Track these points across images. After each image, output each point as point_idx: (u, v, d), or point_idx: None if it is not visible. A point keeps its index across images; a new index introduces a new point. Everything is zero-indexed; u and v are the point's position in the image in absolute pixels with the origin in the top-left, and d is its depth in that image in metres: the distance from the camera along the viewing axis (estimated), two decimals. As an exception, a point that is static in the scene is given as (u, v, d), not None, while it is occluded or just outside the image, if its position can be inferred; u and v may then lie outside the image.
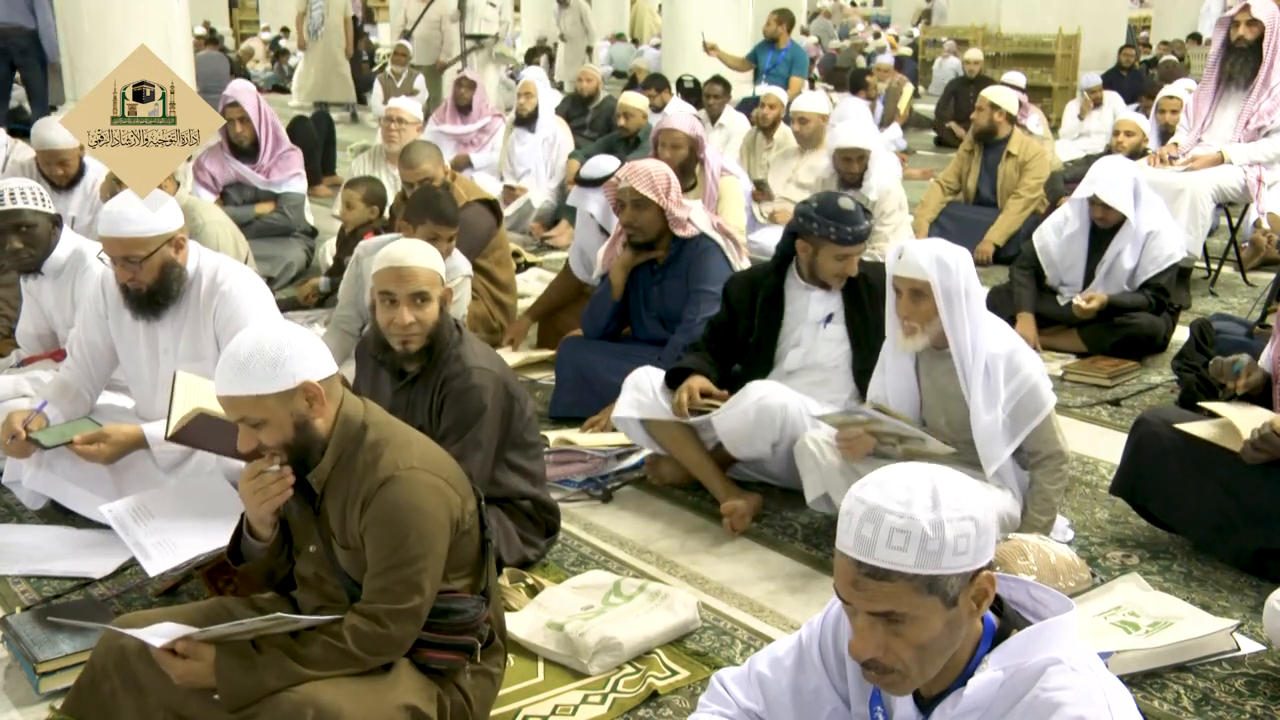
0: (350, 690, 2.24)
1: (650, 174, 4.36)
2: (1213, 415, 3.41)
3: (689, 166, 5.88)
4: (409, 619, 2.32)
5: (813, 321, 3.94)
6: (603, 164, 5.23)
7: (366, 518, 2.33)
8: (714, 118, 8.90)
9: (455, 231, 4.51)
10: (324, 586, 2.45)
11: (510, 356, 5.04)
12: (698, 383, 3.85)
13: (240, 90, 6.57)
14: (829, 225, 3.73)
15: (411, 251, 3.10)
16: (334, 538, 2.41)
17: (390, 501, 2.31)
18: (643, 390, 3.90)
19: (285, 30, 21.46)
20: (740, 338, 4.01)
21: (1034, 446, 3.37)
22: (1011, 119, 6.99)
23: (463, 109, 8.82)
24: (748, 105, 9.49)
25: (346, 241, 5.78)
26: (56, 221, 3.94)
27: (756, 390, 3.73)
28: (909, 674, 1.69)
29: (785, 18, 10.59)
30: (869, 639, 1.67)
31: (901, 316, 3.36)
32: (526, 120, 8.25)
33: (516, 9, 23.95)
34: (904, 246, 3.37)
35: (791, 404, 3.66)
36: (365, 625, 2.30)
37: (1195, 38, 18.12)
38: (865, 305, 3.88)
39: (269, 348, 2.28)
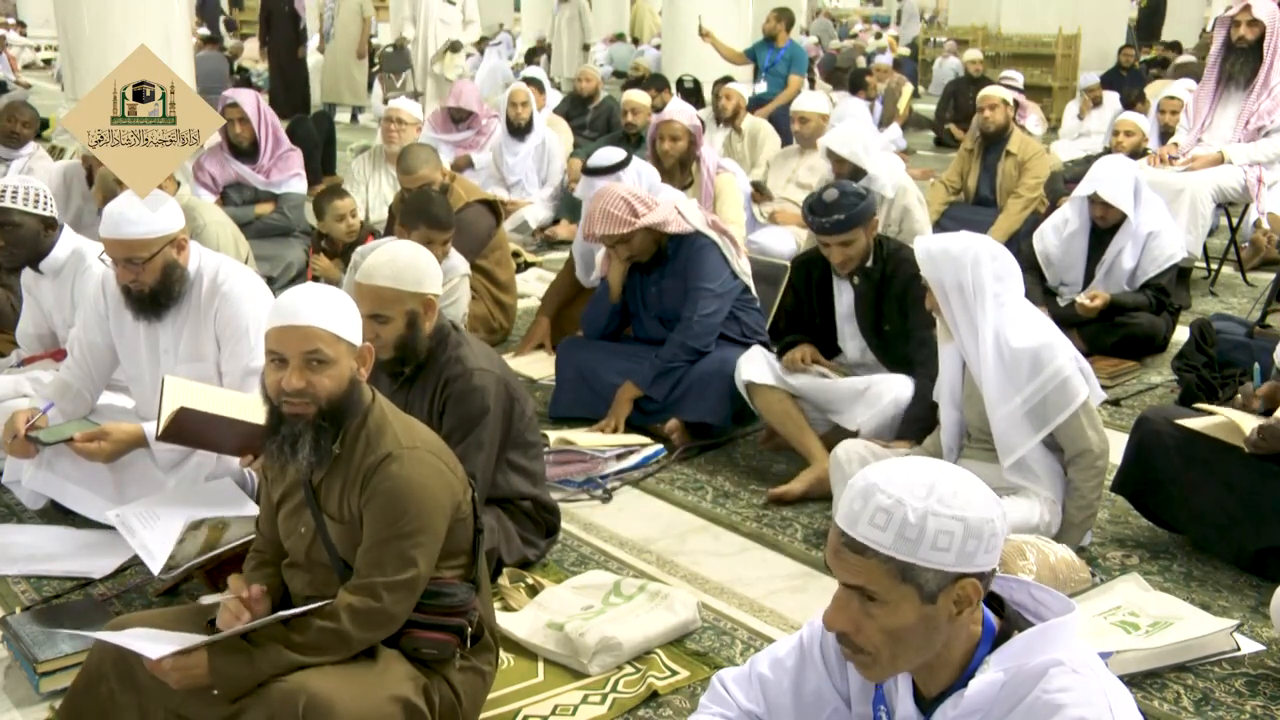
0: (342, 679, 2.24)
1: (607, 212, 4.27)
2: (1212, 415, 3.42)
3: (688, 160, 5.88)
4: (404, 591, 2.33)
5: (844, 315, 3.99)
6: (609, 154, 5.20)
7: (367, 492, 2.34)
8: (720, 119, 8.87)
9: (450, 235, 4.52)
10: (314, 569, 2.45)
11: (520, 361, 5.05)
12: (809, 349, 4.02)
13: (238, 90, 6.57)
14: (808, 214, 3.84)
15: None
16: (327, 515, 2.41)
17: (392, 476, 2.33)
18: (761, 361, 4.04)
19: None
20: (808, 321, 4.09)
21: (1064, 444, 3.32)
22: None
23: (457, 119, 8.76)
24: (748, 105, 9.46)
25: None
26: (49, 224, 3.94)
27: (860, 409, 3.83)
28: (879, 659, 1.71)
29: (784, 16, 10.57)
30: (841, 612, 1.71)
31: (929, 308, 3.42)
32: (518, 130, 8.04)
33: (516, 8, 23.96)
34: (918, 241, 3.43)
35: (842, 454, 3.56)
36: (360, 602, 2.30)
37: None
38: (884, 292, 3.86)
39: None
